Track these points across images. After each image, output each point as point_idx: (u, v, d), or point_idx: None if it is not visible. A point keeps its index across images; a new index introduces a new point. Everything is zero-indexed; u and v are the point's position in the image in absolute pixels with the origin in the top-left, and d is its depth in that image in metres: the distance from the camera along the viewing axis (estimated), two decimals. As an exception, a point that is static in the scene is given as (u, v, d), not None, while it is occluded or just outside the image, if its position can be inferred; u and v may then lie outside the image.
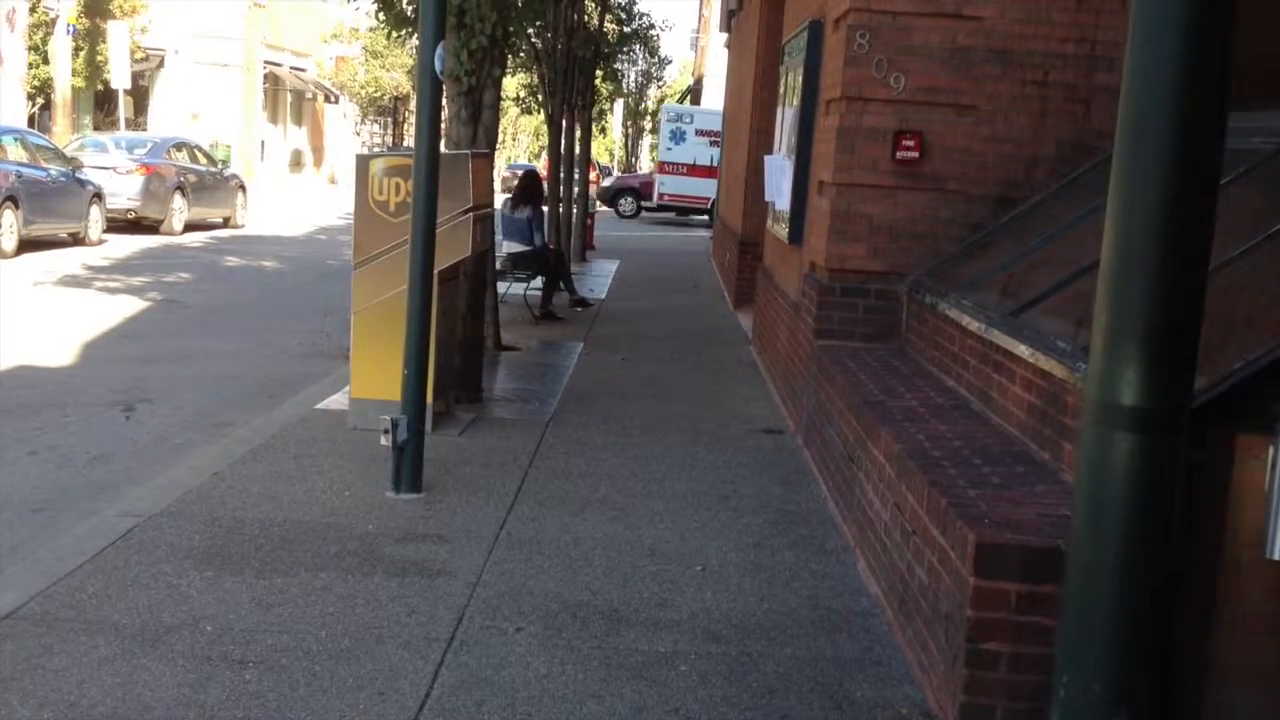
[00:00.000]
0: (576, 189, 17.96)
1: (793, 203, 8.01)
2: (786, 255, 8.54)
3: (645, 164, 61.19)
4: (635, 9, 20.55)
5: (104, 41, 28.55)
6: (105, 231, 17.79)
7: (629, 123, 47.40)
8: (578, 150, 18.65)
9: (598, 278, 16.33)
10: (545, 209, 13.22)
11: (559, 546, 5.01)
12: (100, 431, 6.88)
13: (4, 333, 9.54)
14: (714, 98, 35.03)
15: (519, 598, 4.41)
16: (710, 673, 3.87)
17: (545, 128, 16.54)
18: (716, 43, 34.12)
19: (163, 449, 6.58)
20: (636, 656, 3.96)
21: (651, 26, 22.93)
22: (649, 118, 51.29)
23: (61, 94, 27.44)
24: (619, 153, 48.12)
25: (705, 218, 26.25)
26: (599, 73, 19.63)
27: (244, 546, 4.76)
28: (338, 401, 7.30)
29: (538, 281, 12.13)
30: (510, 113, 28.19)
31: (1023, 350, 4.47)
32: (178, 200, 19.73)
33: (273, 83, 40.10)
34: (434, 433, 6.40)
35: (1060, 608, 2.66)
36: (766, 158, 9.61)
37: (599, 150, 41.86)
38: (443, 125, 6.72)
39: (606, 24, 18.56)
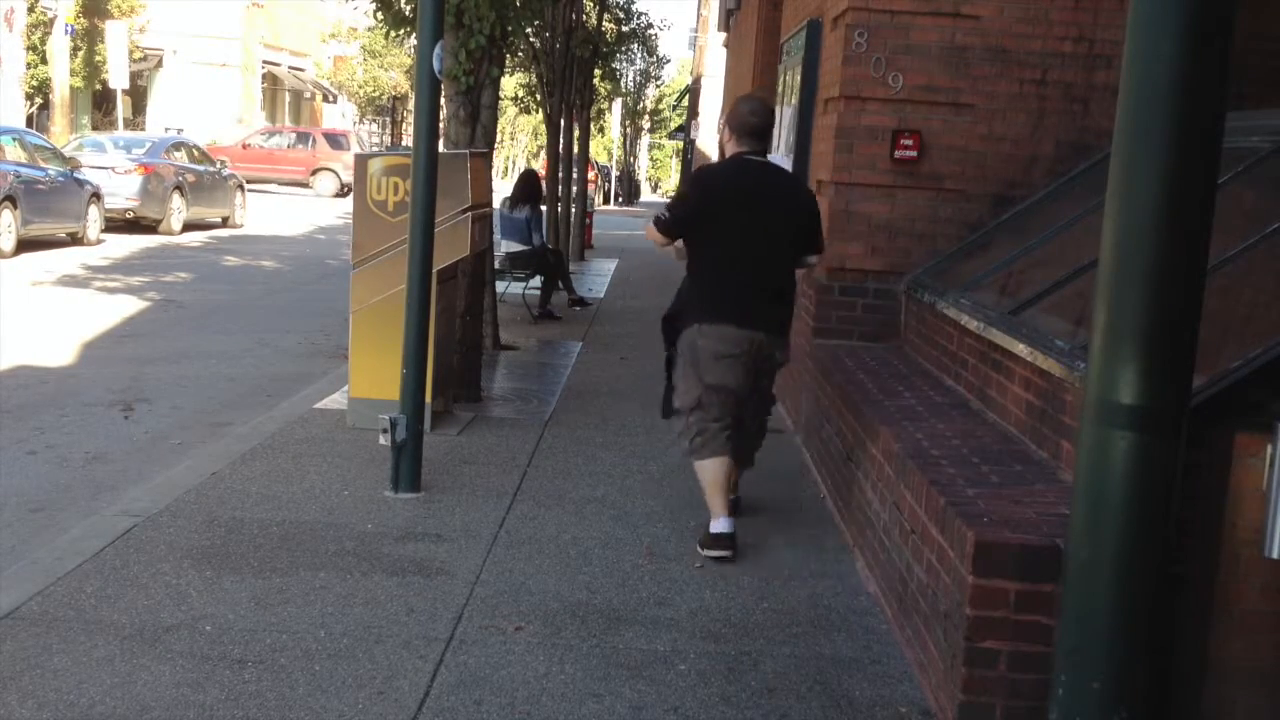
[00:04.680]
0: (575, 188, 17.97)
1: (791, 202, 8.00)
2: (785, 254, 8.54)
3: (644, 163, 61.19)
4: (633, 8, 20.57)
5: (102, 41, 28.54)
6: (104, 231, 17.77)
7: (627, 122, 47.36)
8: (576, 150, 18.66)
9: (596, 277, 16.34)
10: (544, 208, 13.23)
11: (558, 545, 5.01)
12: (99, 431, 6.88)
13: (3, 333, 9.53)
14: (713, 97, 35.08)
15: (518, 597, 4.41)
16: (709, 672, 3.87)
17: (544, 127, 16.54)
18: (715, 42, 34.08)
19: (161, 449, 6.58)
20: (635, 655, 3.96)
21: (650, 26, 23.02)
22: (648, 117, 51.28)
23: (60, 94, 27.44)
24: (617, 152, 48.09)
25: None
26: (597, 72, 19.64)
27: (243, 546, 4.76)
28: (336, 401, 7.30)
29: (536, 281, 12.14)
30: (509, 112, 28.18)
31: (1021, 349, 4.47)
32: (176, 200, 19.71)
33: (271, 82, 40.11)
34: (433, 432, 6.40)
35: (1059, 606, 2.66)
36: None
37: (597, 150, 41.82)
38: (441, 125, 6.72)
39: (605, 23, 18.56)
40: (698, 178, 5.47)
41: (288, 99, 42.21)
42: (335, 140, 33.62)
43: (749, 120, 5.11)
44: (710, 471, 5.05)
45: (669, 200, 5.13)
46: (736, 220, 4.97)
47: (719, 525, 5.00)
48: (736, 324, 4.96)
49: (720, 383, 5.00)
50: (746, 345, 4.98)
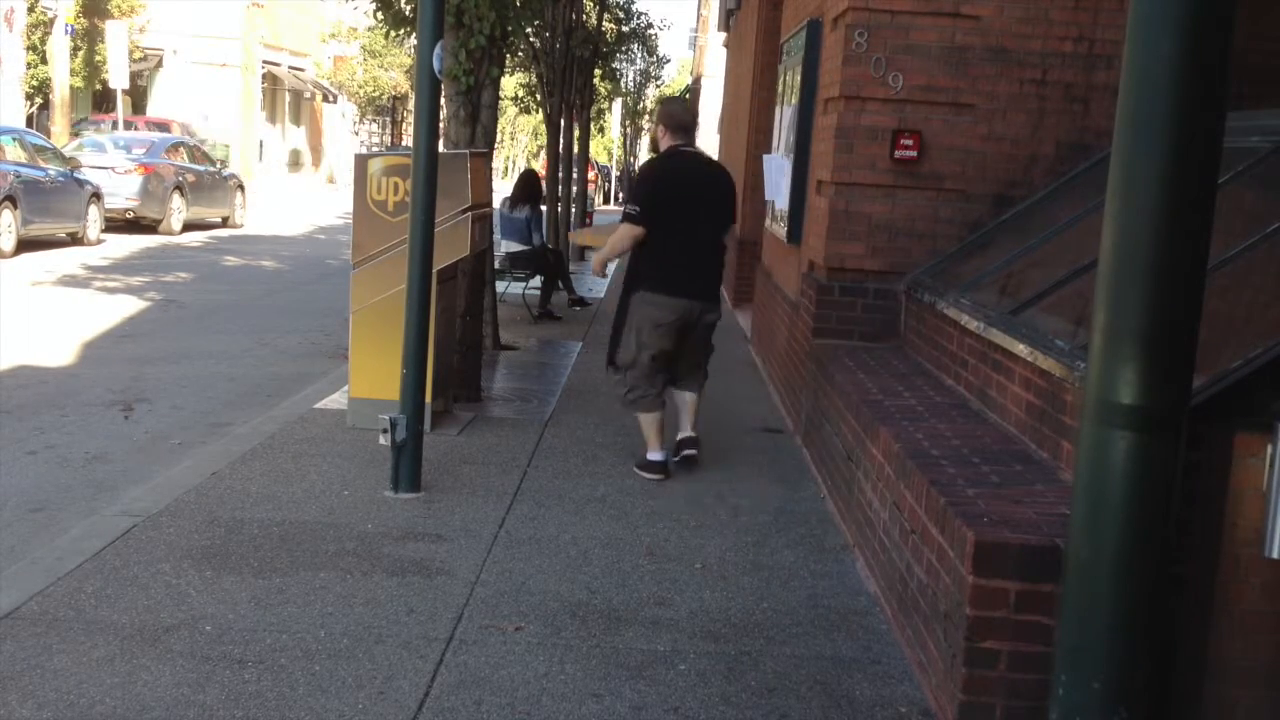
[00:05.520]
0: (575, 188, 17.98)
1: (791, 202, 8.01)
2: (785, 254, 8.55)
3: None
4: (633, 8, 20.56)
5: (102, 41, 28.54)
6: (104, 231, 17.79)
7: (627, 122, 47.35)
8: (576, 150, 18.66)
9: (596, 277, 16.31)
10: (544, 208, 13.23)
11: (558, 545, 5.01)
12: (99, 431, 6.88)
13: (3, 333, 9.54)
14: (713, 97, 35.10)
15: (518, 597, 4.41)
16: (709, 671, 3.87)
17: (544, 127, 16.55)
18: (715, 42, 34.11)
19: (161, 449, 6.58)
20: (636, 655, 3.96)
21: (650, 26, 22.99)
22: (648, 117, 51.19)
23: (60, 94, 27.42)
24: (617, 152, 48.02)
25: None
26: (597, 72, 19.65)
27: (243, 546, 4.76)
28: (336, 401, 7.30)
29: (536, 281, 12.14)
30: (509, 112, 28.18)
31: (1021, 349, 4.47)
32: (176, 200, 19.73)
33: (271, 82, 40.09)
34: (433, 432, 6.41)
35: (1059, 606, 2.66)
36: (765, 157, 9.61)
37: (597, 150, 41.83)
38: (441, 125, 6.72)
39: (605, 23, 18.56)
40: (651, 171, 6.36)
41: (288, 99, 42.20)
42: (156, 129, 32.93)
43: (681, 118, 6.34)
44: (645, 420, 6.19)
45: (629, 197, 6.26)
46: (680, 203, 6.01)
47: (655, 455, 6.14)
48: (675, 294, 6.01)
49: (656, 346, 6.08)
50: (682, 312, 6.04)
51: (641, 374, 6.13)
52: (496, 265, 10.49)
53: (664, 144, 6.23)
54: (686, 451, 6.31)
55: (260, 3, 37.05)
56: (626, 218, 6.06)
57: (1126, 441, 2.39)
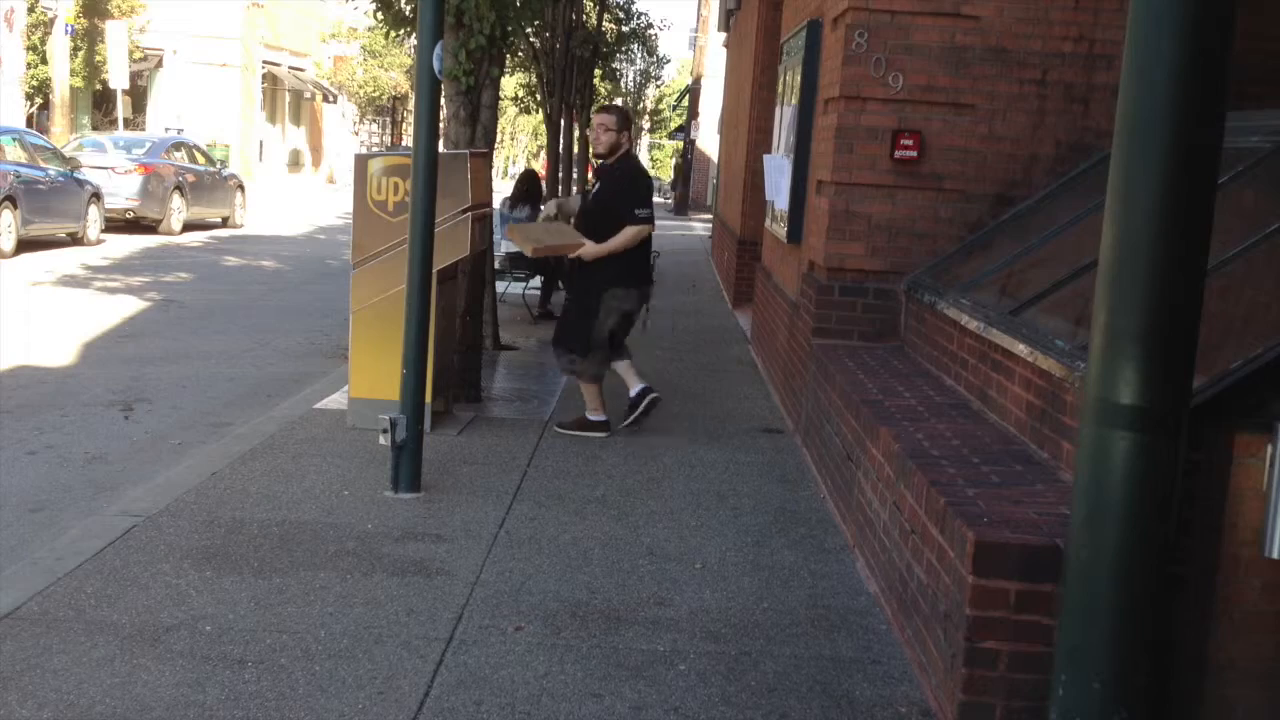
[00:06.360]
0: (575, 188, 17.98)
1: (791, 202, 8.01)
2: (785, 254, 8.55)
3: (644, 163, 61.17)
4: (633, 8, 20.59)
5: (102, 41, 28.54)
6: (104, 231, 17.78)
7: (627, 122, 47.38)
8: (576, 150, 18.67)
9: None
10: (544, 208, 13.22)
11: (558, 546, 5.01)
12: (99, 431, 6.88)
13: (3, 333, 9.54)
14: (713, 97, 35.08)
15: (518, 597, 4.41)
16: (709, 672, 3.87)
17: (544, 127, 16.55)
18: (715, 42, 34.11)
19: (161, 449, 6.58)
20: (636, 655, 3.96)
21: (650, 26, 22.99)
22: (648, 117, 51.23)
23: (60, 94, 27.42)
24: (617, 152, 48.03)
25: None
26: (597, 72, 19.66)
27: (243, 546, 4.76)
28: (336, 401, 7.30)
29: (536, 281, 12.14)
30: (509, 112, 28.20)
31: (1021, 349, 4.47)
32: (176, 200, 19.72)
33: (271, 82, 40.08)
34: (433, 432, 6.41)
35: (1059, 606, 2.66)
36: (765, 157, 9.61)
37: (598, 149, 41.69)
38: (441, 125, 6.72)
39: (605, 23, 18.57)
40: (643, 175, 7.17)
41: (288, 99, 42.18)
42: None
43: (631, 123, 7.12)
44: (595, 390, 6.98)
45: (633, 200, 6.80)
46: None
47: (600, 416, 6.99)
48: (640, 284, 6.98)
49: (620, 328, 6.99)
50: (640, 298, 7.02)
51: (601, 351, 6.89)
52: (496, 265, 10.48)
53: (624, 145, 6.90)
54: (652, 395, 7.05)
55: (260, 3, 37.05)
56: (642, 221, 6.74)
57: (1126, 441, 2.39)
